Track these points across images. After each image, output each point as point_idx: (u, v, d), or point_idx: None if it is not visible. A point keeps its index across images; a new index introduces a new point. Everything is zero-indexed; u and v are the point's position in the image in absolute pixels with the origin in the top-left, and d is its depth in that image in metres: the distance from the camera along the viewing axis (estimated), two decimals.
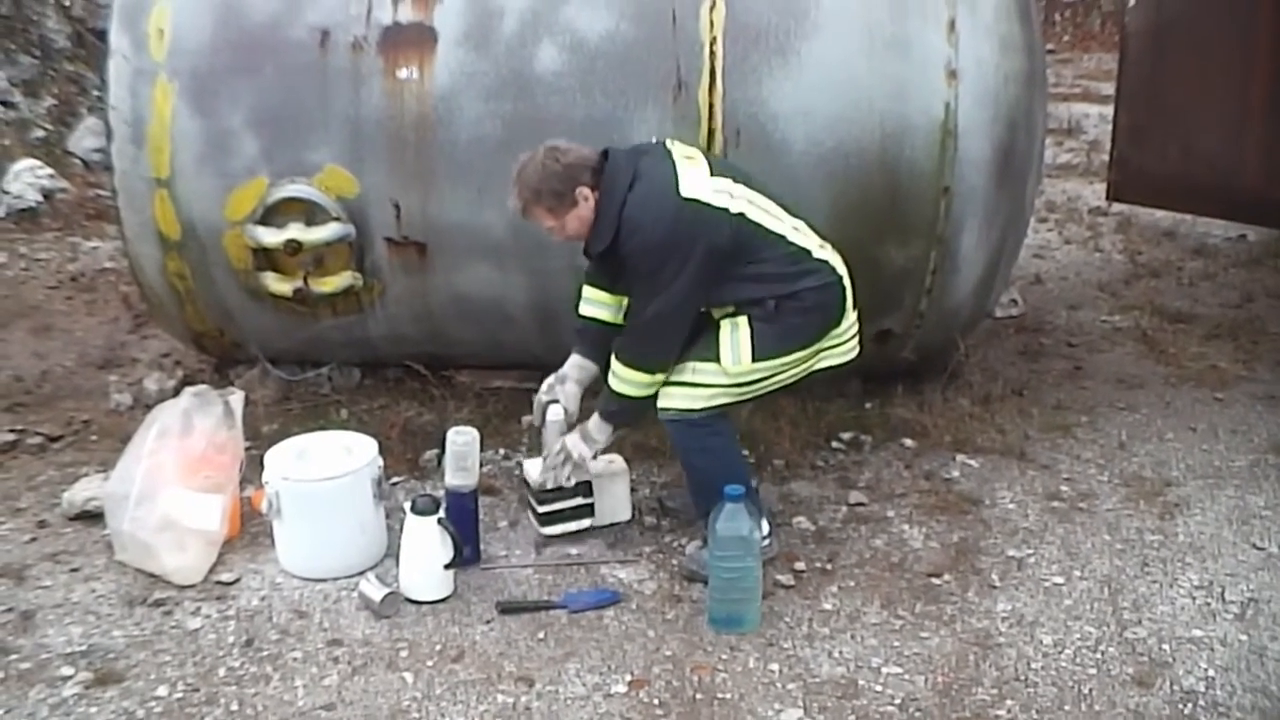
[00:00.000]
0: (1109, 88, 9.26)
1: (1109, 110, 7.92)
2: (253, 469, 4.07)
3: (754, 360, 3.57)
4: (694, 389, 3.62)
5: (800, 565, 3.86)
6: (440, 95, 4.34)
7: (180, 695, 3.29)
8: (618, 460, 4.06)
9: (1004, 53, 4.35)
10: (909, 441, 4.69)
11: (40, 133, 9.44)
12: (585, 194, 3.53)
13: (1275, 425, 4.96)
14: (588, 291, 3.85)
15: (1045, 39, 14.94)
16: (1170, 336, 5.99)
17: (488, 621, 3.60)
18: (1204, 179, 6.70)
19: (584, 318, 3.87)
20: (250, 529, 4.00)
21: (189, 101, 4.44)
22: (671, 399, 3.66)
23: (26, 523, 4.21)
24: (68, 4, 10.88)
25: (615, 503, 3.99)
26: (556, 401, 3.84)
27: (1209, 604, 3.69)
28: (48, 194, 8.25)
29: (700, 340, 3.64)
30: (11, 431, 4.84)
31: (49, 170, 8.51)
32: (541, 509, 3.89)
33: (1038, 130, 4.69)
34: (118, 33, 4.65)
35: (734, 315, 3.61)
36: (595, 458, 3.77)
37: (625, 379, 3.62)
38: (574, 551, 3.94)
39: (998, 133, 4.34)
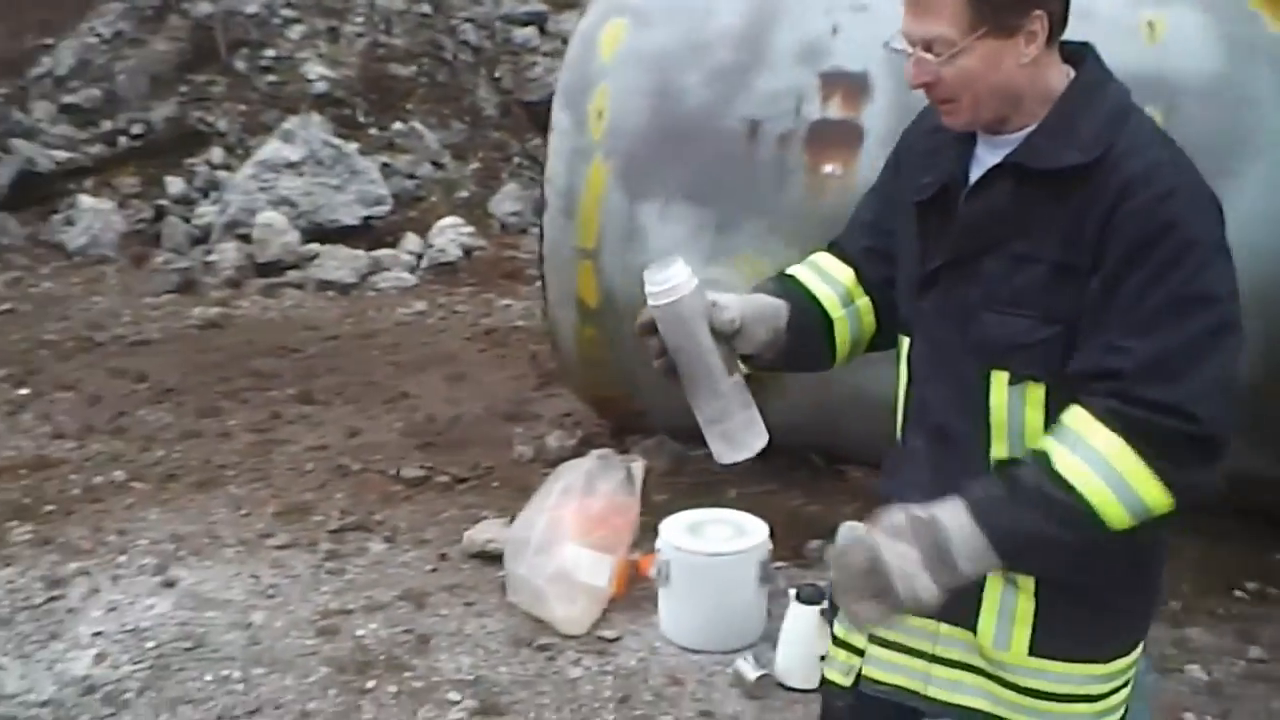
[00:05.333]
0: None
1: None
2: (641, 535, 4.33)
3: (1032, 654, 2.00)
4: (942, 670, 2.08)
5: (1189, 718, 3.73)
6: (863, 191, 4.50)
7: None
8: None
9: None
10: None
11: (465, 194, 10.38)
12: (1034, 39, 1.83)
13: None
14: (820, 258, 2.23)
15: None
16: None
17: None
18: None
19: (789, 278, 2.20)
20: (634, 592, 4.25)
21: (621, 180, 4.82)
22: (888, 669, 2.13)
23: (430, 554, 4.67)
24: (498, 76, 11.89)
25: None
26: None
27: None
28: (467, 251, 9.07)
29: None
30: (422, 468, 5.38)
31: (470, 229, 9.36)
32: None
33: None
34: (560, 110, 5.12)
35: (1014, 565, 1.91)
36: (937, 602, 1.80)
37: (1109, 472, 1.74)
38: None
39: None
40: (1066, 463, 1.75)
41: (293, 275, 8.89)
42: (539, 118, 11.37)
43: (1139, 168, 1.78)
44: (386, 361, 7.03)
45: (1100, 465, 1.73)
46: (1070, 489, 1.74)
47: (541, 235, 5.06)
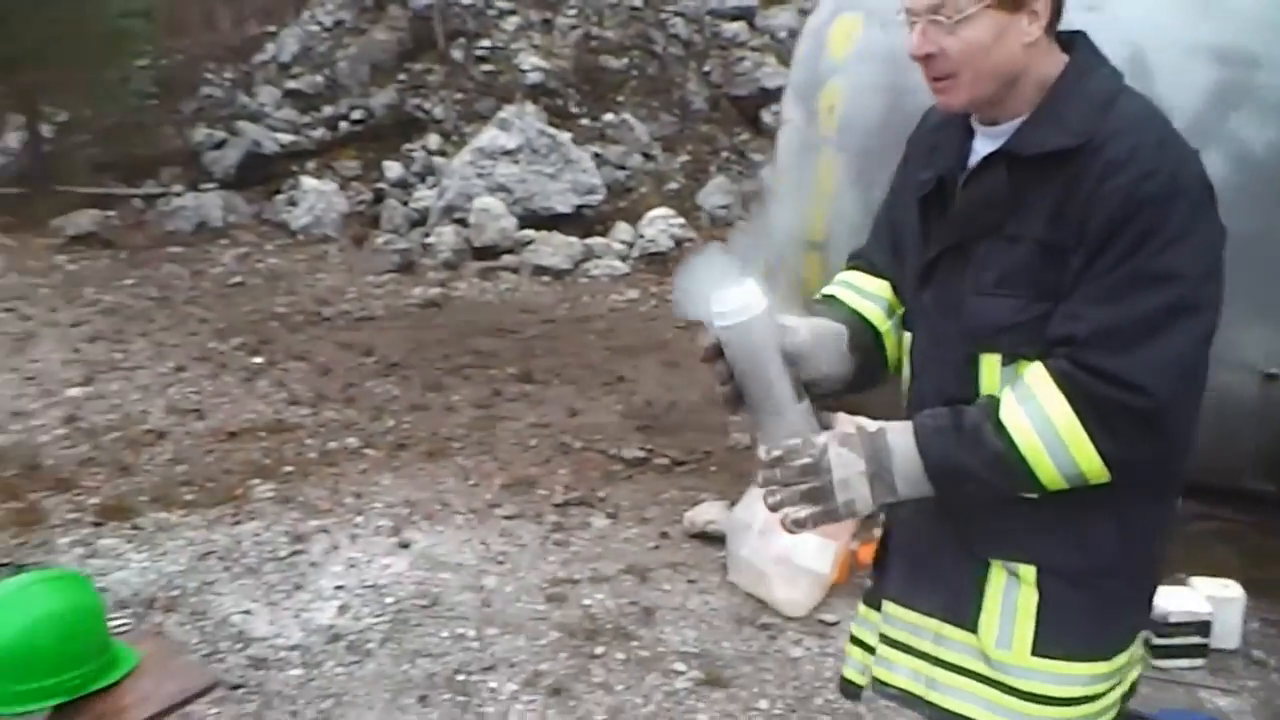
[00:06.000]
0: None
1: None
2: (862, 523, 4.44)
3: (1035, 653, 1.93)
4: (944, 675, 2.02)
5: None
6: None
7: (779, 713, 3.71)
8: (1233, 586, 4.07)
9: None
10: None
11: (674, 185, 10.61)
12: (1036, 19, 1.83)
13: None
14: (852, 276, 2.22)
15: None
16: None
17: None
18: None
19: (832, 299, 2.18)
20: (854, 579, 4.37)
21: (852, 175, 4.93)
22: (893, 670, 2.10)
23: (651, 531, 4.88)
24: (707, 71, 12.08)
25: (1225, 629, 4.00)
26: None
27: None
28: (677, 241, 9.29)
29: (954, 581, 2.01)
30: (642, 449, 5.61)
31: (680, 220, 9.59)
32: (1156, 640, 3.96)
33: None
34: (791, 104, 5.26)
35: (1018, 554, 1.93)
36: (868, 514, 1.92)
37: (1047, 430, 1.77)
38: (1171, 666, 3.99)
39: None
40: (1011, 413, 1.79)
41: (508, 259, 9.26)
42: (747, 112, 11.58)
43: (1122, 149, 1.79)
44: (602, 346, 7.31)
45: (1041, 423, 1.77)
46: (1008, 439, 1.78)
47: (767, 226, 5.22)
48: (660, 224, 9.43)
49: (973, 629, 1.96)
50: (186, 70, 13.70)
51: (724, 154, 11.15)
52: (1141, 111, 1.85)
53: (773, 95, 11.15)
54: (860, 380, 2.06)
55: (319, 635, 4.15)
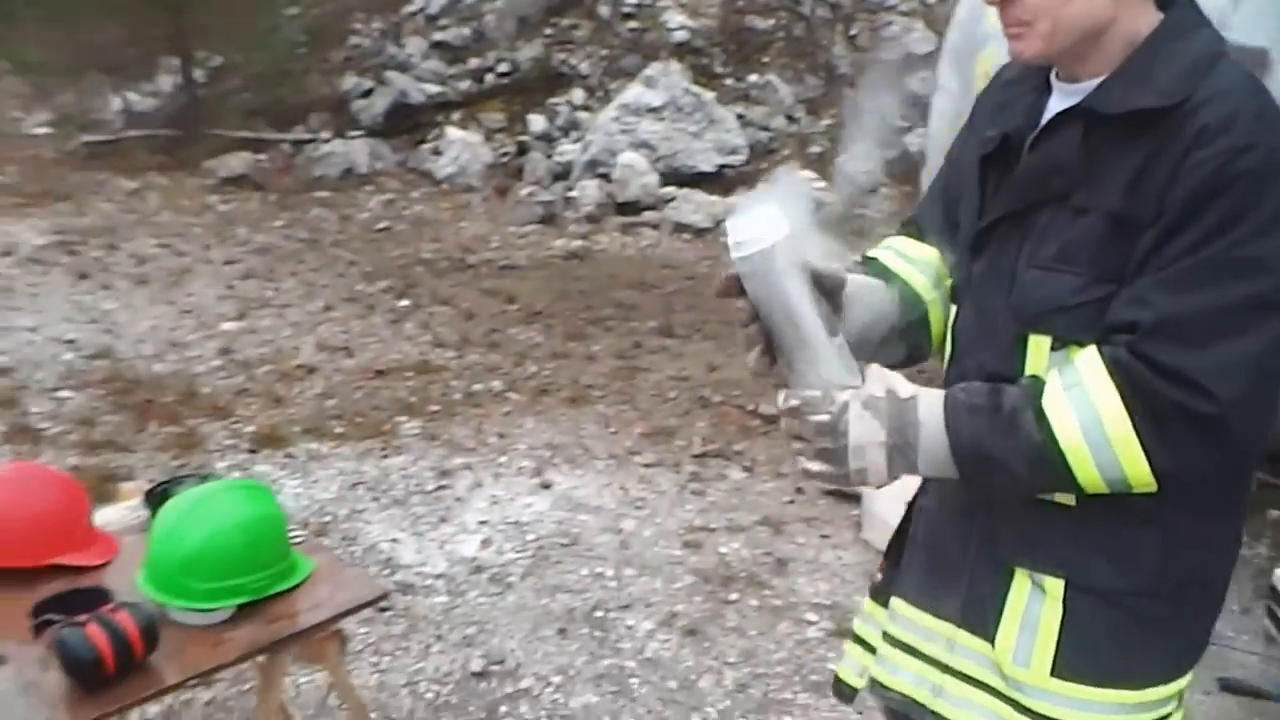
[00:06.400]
0: None
1: None
2: None
3: (1054, 674, 1.75)
4: (954, 684, 1.84)
5: None
6: None
7: None
8: None
9: None
10: None
11: (817, 148, 10.63)
12: None
13: None
14: (899, 242, 2.03)
15: None
16: None
17: (1206, 692, 3.78)
18: None
19: (872, 261, 1.99)
20: None
21: None
22: (896, 673, 1.93)
23: (786, 486, 5.00)
24: (854, 34, 12.03)
25: None
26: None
27: None
28: (818, 205, 9.35)
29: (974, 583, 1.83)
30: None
31: (822, 183, 9.62)
32: None
33: None
34: (946, 70, 5.28)
35: (1048, 566, 1.74)
36: (881, 486, 1.70)
37: (1093, 427, 1.57)
38: None
39: None
40: (1055, 402, 1.59)
41: (649, 216, 9.40)
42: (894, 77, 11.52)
43: (1218, 115, 1.55)
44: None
45: (1088, 418, 1.57)
46: (1049, 431, 1.58)
47: (920, 193, 5.27)
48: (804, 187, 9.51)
49: (990, 639, 1.78)
50: (336, 20, 14.01)
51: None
52: (1243, 79, 1.62)
53: (920, 60, 11.09)
54: (897, 348, 1.92)
55: (463, 566, 4.36)
